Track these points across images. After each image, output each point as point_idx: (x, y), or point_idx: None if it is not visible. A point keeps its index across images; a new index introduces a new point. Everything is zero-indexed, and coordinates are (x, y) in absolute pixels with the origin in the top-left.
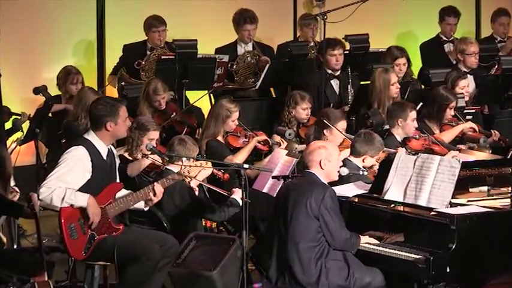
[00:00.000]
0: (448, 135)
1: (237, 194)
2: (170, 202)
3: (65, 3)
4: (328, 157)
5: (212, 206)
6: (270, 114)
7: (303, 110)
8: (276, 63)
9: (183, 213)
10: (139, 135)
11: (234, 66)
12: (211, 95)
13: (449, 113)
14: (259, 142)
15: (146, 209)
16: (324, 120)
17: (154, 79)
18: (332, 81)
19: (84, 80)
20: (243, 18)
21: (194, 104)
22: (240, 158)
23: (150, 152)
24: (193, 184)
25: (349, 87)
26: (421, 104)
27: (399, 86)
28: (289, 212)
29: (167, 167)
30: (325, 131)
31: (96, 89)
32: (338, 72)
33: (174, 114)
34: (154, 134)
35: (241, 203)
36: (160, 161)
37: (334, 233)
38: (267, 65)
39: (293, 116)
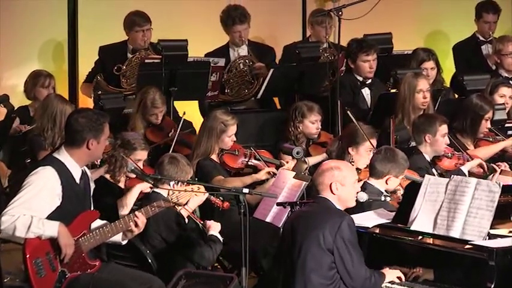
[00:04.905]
0: (484, 152)
1: (214, 229)
2: (156, 232)
3: None
4: (342, 180)
5: (202, 249)
6: (274, 129)
7: (312, 124)
8: (282, 68)
9: (170, 247)
10: (124, 154)
11: (225, 76)
12: (207, 106)
13: (485, 125)
14: (268, 173)
15: (124, 242)
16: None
17: (152, 88)
18: (362, 90)
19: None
20: (231, 18)
21: (183, 117)
22: (237, 184)
23: (134, 175)
24: (184, 213)
25: None
26: None
27: (427, 96)
28: (297, 245)
29: (155, 190)
30: (350, 149)
31: (68, 99)
32: (370, 80)
33: (173, 131)
34: (142, 154)
35: (221, 239)
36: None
37: (352, 270)
38: (271, 70)
39: (300, 132)
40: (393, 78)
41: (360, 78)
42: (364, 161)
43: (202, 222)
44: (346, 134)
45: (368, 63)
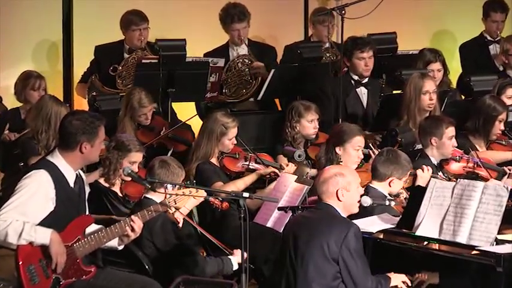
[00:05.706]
0: (493, 156)
1: (236, 257)
2: (149, 240)
3: None
4: (347, 186)
5: (200, 259)
6: (275, 131)
7: (309, 123)
8: (283, 68)
9: (164, 256)
10: (118, 157)
11: (223, 75)
12: (203, 107)
13: (499, 126)
14: (263, 176)
15: (120, 247)
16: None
17: (136, 88)
18: (358, 90)
19: (47, 88)
20: (230, 16)
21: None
22: (231, 189)
23: (129, 178)
24: (178, 216)
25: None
26: None
27: (433, 97)
28: (300, 253)
29: (146, 196)
30: (337, 149)
31: (62, 100)
32: (366, 79)
33: (164, 129)
34: (137, 156)
35: (235, 268)
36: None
37: (358, 280)
38: (272, 71)
39: (298, 132)
40: (386, 76)
41: (356, 77)
42: (353, 161)
43: (230, 251)
44: (332, 134)
45: (363, 61)
